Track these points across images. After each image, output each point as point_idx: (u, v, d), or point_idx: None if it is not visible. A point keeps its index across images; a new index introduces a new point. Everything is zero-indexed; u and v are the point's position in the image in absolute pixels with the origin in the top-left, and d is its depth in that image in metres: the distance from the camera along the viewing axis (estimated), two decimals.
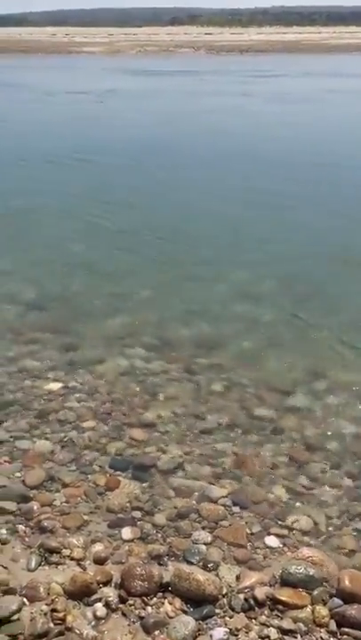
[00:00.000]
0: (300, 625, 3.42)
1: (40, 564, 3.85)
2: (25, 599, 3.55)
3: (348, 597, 3.55)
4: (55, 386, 5.97)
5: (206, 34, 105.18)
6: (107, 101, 28.66)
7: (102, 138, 19.70)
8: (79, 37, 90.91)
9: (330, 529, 4.24)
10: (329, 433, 5.31)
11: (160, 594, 3.60)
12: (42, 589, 3.59)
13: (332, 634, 3.40)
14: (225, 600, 3.57)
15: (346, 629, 3.38)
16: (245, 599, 3.56)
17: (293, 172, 14.85)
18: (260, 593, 3.58)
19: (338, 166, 15.34)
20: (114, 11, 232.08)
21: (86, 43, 79.77)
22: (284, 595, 3.58)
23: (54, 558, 3.90)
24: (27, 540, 4.08)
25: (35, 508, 4.35)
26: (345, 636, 3.37)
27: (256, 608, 3.52)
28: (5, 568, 3.80)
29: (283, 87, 34.95)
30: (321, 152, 17.04)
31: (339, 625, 3.41)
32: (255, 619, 3.46)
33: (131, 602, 3.54)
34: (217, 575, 3.74)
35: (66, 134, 20.27)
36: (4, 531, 4.15)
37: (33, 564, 3.83)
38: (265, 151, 17.26)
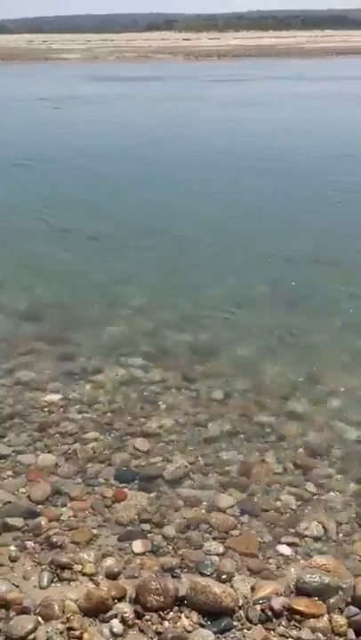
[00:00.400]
0: (319, 635, 3.40)
1: (52, 581, 3.80)
2: (40, 618, 3.49)
3: None
4: (54, 397, 5.91)
5: (184, 39, 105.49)
6: (64, 107, 28.82)
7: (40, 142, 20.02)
8: (57, 44, 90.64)
9: (340, 535, 4.23)
10: (332, 438, 5.31)
11: (176, 608, 3.56)
12: (56, 607, 3.54)
13: None
14: (242, 612, 3.55)
15: None
16: (262, 610, 3.53)
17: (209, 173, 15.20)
18: (277, 603, 3.56)
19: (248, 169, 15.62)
20: (92, 17, 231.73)
21: (64, 49, 79.56)
22: (301, 604, 3.56)
23: (66, 574, 3.84)
24: (36, 556, 4.02)
25: (42, 523, 4.30)
26: None
27: (273, 619, 3.50)
28: (17, 586, 3.74)
29: (242, 91, 35.34)
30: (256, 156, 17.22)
31: (357, 633, 3.40)
32: (273, 630, 3.44)
33: (147, 617, 3.50)
34: (232, 586, 3.71)
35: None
36: (12, 547, 4.09)
37: (45, 582, 3.78)
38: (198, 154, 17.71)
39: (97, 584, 3.76)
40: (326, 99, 31.26)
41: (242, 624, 3.48)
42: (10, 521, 4.30)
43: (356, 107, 28.17)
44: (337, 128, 23.12)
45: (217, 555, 4.02)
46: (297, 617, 3.51)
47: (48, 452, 5.11)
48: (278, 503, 4.53)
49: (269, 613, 3.51)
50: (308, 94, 33.04)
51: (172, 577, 3.82)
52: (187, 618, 3.50)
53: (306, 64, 56.80)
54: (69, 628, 3.43)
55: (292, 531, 4.25)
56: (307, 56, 67.56)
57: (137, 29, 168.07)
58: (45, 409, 5.74)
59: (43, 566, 3.92)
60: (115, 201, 12.99)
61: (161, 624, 3.47)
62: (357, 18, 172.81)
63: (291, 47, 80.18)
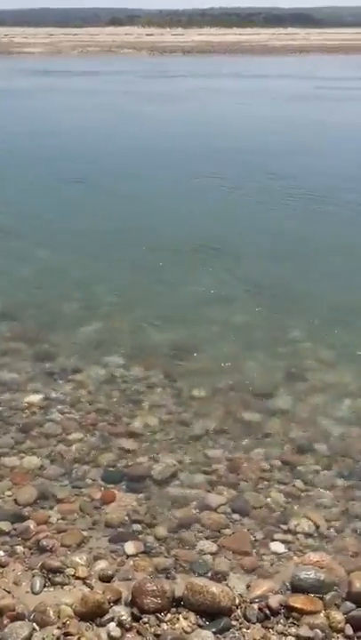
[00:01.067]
0: (318, 631, 3.41)
1: (45, 586, 3.73)
2: (35, 624, 3.42)
3: (360, 600, 3.56)
4: (35, 398, 5.81)
5: (147, 35, 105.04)
6: None
7: None
8: (19, 37, 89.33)
9: (331, 531, 4.26)
10: (317, 434, 5.34)
11: (174, 609, 3.53)
12: (51, 613, 3.47)
13: (350, 638, 3.40)
14: (239, 611, 3.53)
15: None
16: (260, 609, 3.53)
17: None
18: (274, 601, 3.56)
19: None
20: (53, 11, 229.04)
21: (27, 43, 78.45)
22: (298, 601, 3.56)
23: (58, 578, 3.78)
24: (27, 561, 3.95)
25: (31, 527, 4.21)
26: None
27: (271, 617, 3.49)
28: (9, 592, 3.66)
29: (167, 86, 36.05)
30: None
31: (355, 629, 3.42)
32: (272, 628, 3.43)
33: (145, 619, 3.46)
34: (228, 585, 3.70)
35: None
36: (1, 552, 4.00)
37: (37, 587, 3.70)
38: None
39: (91, 587, 3.71)
40: (233, 95, 32.01)
41: (240, 623, 3.47)
42: None
43: (251, 103, 28.80)
44: (206, 120, 23.82)
45: (210, 554, 4.00)
46: (294, 614, 3.51)
47: (32, 454, 5.02)
48: (268, 500, 4.54)
49: (267, 611, 3.51)
50: (224, 90, 34.07)
51: (167, 578, 3.79)
52: (185, 619, 3.47)
53: (262, 61, 57.29)
54: (66, 634, 3.37)
55: (284, 528, 4.26)
56: (269, 53, 67.97)
57: (99, 24, 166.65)
58: (27, 410, 5.63)
59: (34, 571, 3.85)
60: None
61: (159, 626, 3.44)
62: (320, 16, 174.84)
63: (254, 44, 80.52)
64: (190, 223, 11.09)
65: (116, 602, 3.59)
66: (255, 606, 3.55)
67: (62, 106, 27.57)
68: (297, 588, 3.67)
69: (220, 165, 15.39)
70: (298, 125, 21.95)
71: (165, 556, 3.99)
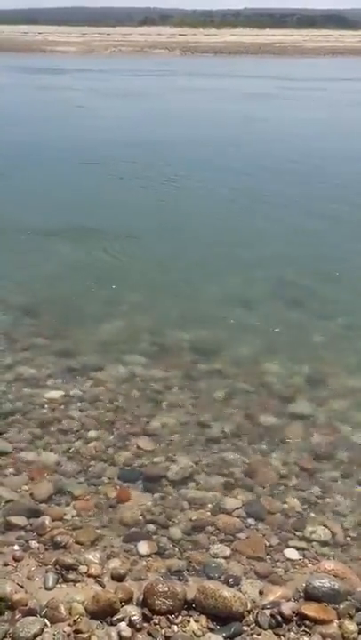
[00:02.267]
0: None
1: (57, 582, 3.74)
2: (46, 620, 3.43)
3: None
4: (56, 394, 5.84)
5: (180, 35, 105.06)
6: None
7: None
8: (53, 36, 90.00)
9: (348, 539, 4.20)
10: (336, 440, 5.28)
11: (185, 611, 3.52)
12: (63, 609, 3.48)
13: None
14: (251, 617, 3.50)
15: None
16: (272, 615, 3.49)
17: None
18: (286, 608, 3.52)
19: None
20: (86, 10, 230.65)
21: (60, 42, 79.02)
22: (311, 610, 3.52)
23: (71, 575, 3.78)
24: (41, 556, 3.96)
25: (46, 522, 4.23)
26: None
27: (283, 624, 3.46)
28: (22, 587, 3.67)
29: (145, 84, 37.09)
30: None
31: None
32: (284, 636, 3.40)
33: (156, 620, 3.45)
34: (240, 590, 3.67)
35: None
36: (16, 547, 4.02)
37: (50, 583, 3.71)
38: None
39: (103, 586, 3.71)
40: (202, 94, 32.88)
41: (251, 629, 3.44)
42: (13, 519, 4.23)
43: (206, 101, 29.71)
44: (155, 118, 24.41)
45: (224, 558, 3.98)
46: (307, 622, 3.47)
47: (50, 450, 5.05)
48: (285, 506, 4.49)
49: (279, 618, 3.47)
50: (195, 89, 34.82)
51: (179, 580, 3.77)
52: (196, 622, 3.45)
53: (298, 62, 57.00)
54: (76, 631, 3.37)
55: (299, 534, 4.21)
56: (302, 55, 67.53)
57: (132, 24, 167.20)
58: (46, 406, 5.66)
59: (47, 567, 3.86)
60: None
61: (170, 628, 3.42)
62: (353, 17, 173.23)
63: (287, 45, 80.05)
64: (215, 224, 11.06)
65: (128, 601, 3.59)
66: (267, 612, 3.52)
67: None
68: (310, 596, 3.63)
69: None
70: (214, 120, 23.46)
71: (178, 558, 3.98)
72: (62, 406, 5.66)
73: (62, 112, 25.16)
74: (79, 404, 5.71)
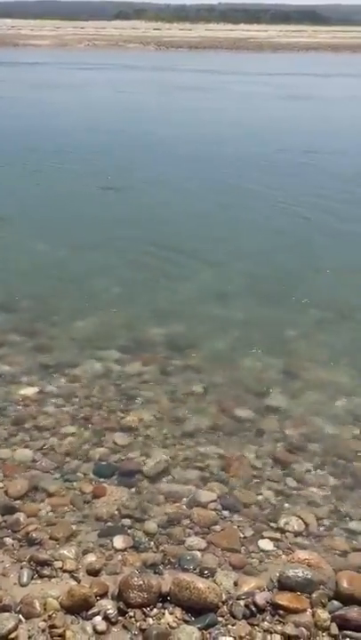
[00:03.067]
0: (303, 629, 3.41)
1: (32, 578, 3.74)
2: (21, 616, 3.43)
3: (347, 599, 3.57)
4: (30, 391, 5.81)
5: (155, 29, 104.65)
6: None
7: None
8: (26, 30, 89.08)
9: (321, 529, 4.26)
10: (310, 432, 5.34)
11: (160, 604, 3.54)
12: (37, 605, 3.48)
13: (334, 637, 3.40)
14: (225, 607, 3.54)
15: (348, 632, 3.39)
16: (246, 606, 3.53)
17: None
18: (260, 598, 3.56)
19: None
20: (60, 3, 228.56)
21: (33, 36, 78.23)
22: (284, 599, 3.57)
23: (46, 571, 3.78)
24: (15, 552, 3.95)
25: (21, 519, 4.22)
26: (347, 639, 3.39)
27: (257, 614, 3.50)
28: None
29: (74, 77, 37.72)
30: None
31: (341, 628, 3.42)
32: (258, 625, 3.44)
33: (131, 614, 3.47)
34: (215, 582, 3.70)
35: None
36: None
37: (25, 579, 3.71)
38: None
39: (78, 581, 3.72)
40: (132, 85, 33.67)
41: (226, 619, 3.47)
42: None
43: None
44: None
45: (199, 550, 4.00)
46: (281, 612, 3.51)
47: (25, 447, 5.03)
48: (259, 498, 4.54)
49: (253, 608, 3.51)
50: (125, 81, 35.72)
51: (155, 573, 3.79)
52: (171, 614, 3.47)
53: (256, 58, 57.45)
54: (51, 626, 3.38)
55: (274, 525, 4.26)
56: (275, 50, 67.73)
57: (106, 17, 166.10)
58: (21, 402, 5.64)
59: (22, 563, 3.86)
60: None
61: (145, 620, 3.45)
62: (327, 13, 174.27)
63: (261, 41, 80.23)
64: (188, 219, 11.08)
65: (103, 595, 3.60)
66: (242, 603, 3.55)
67: None
68: (284, 585, 3.67)
69: None
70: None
71: (154, 552, 4.00)
72: (37, 403, 5.64)
73: None
74: (54, 400, 5.70)
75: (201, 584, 3.53)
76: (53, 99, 28.09)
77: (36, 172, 14.37)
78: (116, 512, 4.35)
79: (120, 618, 3.46)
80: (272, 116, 24.67)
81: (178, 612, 3.49)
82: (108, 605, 3.51)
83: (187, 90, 32.51)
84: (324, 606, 3.56)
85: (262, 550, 4.04)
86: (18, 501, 4.41)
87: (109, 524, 4.25)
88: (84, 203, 12.04)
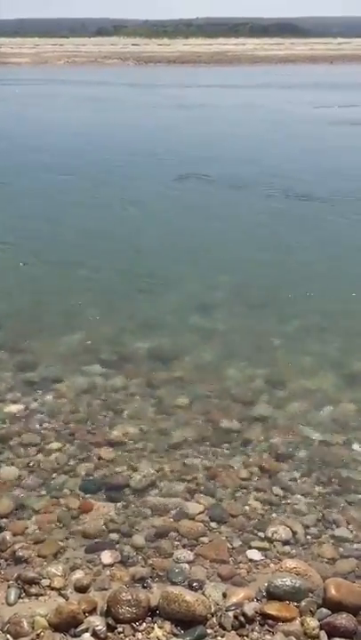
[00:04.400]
0: (292, 638, 3.41)
1: (20, 597, 3.71)
2: (9, 636, 3.40)
3: (335, 606, 3.57)
4: (15, 408, 5.79)
5: (133, 45, 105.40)
6: None
7: None
8: (5, 47, 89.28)
9: (308, 538, 4.27)
10: (295, 441, 5.36)
11: (149, 618, 3.52)
12: (25, 624, 3.45)
13: None
14: (215, 619, 3.53)
15: (337, 639, 3.40)
16: (235, 617, 3.53)
17: None
18: (249, 609, 3.56)
19: None
20: (39, 21, 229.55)
21: (12, 53, 78.45)
22: (273, 609, 3.57)
23: (34, 589, 3.76)
24: (2, 572, 3.93)
25: (7, 537, 4.19)
26: None
27: (247, 625, 3.49)
28: None
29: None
30: None
31: (330, 635, 3.42)
32: (247, 636, 3.44)
33: (120, 629, 3.45)
34: (203, 594, 3.70)
35: None
36: None
37: (12, 598, 3.68)
38: None
39: (66, 598, 3.70)
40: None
41: (215, 631, 3.46)
42: None
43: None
44: None
45: (187, 562, 4.00)
46: (270, 621, 3.51)
47: (10, 465, 5.00)
48: (246, 508, 4.54)
49: (242, 619, 3.51)
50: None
51: (143, 587, 3.78)
52: (160, 628, 3.46)
53: (234, 70, 58.13)
54: None
55: (261, 535, 4.26)
56: (254, 63, 68.42)
57: (86, 34, 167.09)
58: (6, 420, 5.61)
59: (9, 582, 3.83)
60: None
61: (134, 635, 3.43)
62: (304, 26, 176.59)
63: (239, 54, 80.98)
64: (169, 229, 11.13)
65: (92, 612, 3.58)
66: (230, 614, 3.55)
67: None
68: (273, 595, 3.68)
69: None
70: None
71: (142, 566, 3.99)
72: (22, 419, 5.62)
73: None
74: (39, 416, 5.68)
75: (189, 597, 3.53)
76: None
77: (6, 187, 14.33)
78: (104, 527, 4.34)
79: (109, 634, 3.44)
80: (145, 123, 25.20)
81: (167, 625, 3.48)
82: (97, 622, 3.49)
83: (106, 101, 32.47)
84: (312, 614, 3.57)
85: (251, 560, 4.05)
86: (4, 520, 4.39)
87: (97, 539, 4.24)
88: (63, 218, 12.04)
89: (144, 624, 3.49)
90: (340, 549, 4.16)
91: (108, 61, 68.52)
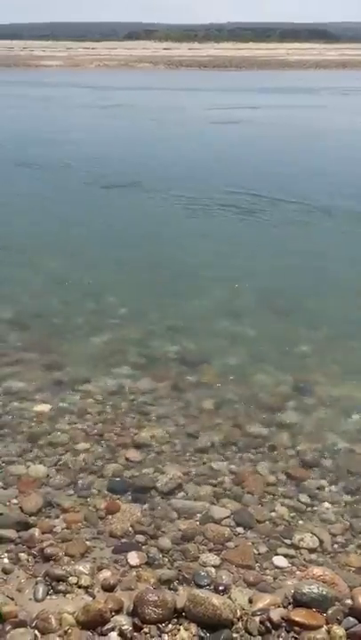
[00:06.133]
0: None
1: (47, 594, 3.76)
2: (37, 631, 3.45)
3: None
4: (44, 407, 5.87)
5: (165, 49, 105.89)
6: None
7: None
8: (38, 51, 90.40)
9: (335, 546, 4.26)
10: (323, 449, 5.35)
11: (175, 620, 3.55)
12: (53, 620, 3.50)
13: None
14: (240, 624, 3.54)
15: None
16: (261, 622, 3.53)
17: None
18: (275, 615, 3.56)
19: None
20: (71, 25, 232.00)
21: (45, 56, 79.37)
22: (299, 615, 3.57)
23: (61, 587, 3.81)
24: (30, 568, 3.98)
25: (36, 535, 4.25)
26: None
27: (273, 631, 3.50)
28: (12, 599, 3.69)
29: None
30: None
31: None
32: None
33: (146, 630, 3.48)
34: (229, 598, 3.71)
35: None
36: (6, 560, 4.04)
37: (40, 594, 3.74)
38: None
39: (93, 596, 3.74)
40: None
41: (241, 636, 3.48)
42: (2, 532, 4.25)
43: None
44: None
45: (213, 567, 4.01)
46: (296, 628, 3.51)
47: (39, 463, 5.07)
48: (273, 514, 4.54)
49: (268, 625, 3.51)
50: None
51: (169, 589, 3.80)
52: (186, 630, 3.48)
53: (256, 75, 58.06)
54: None
55: (288, 542, 4.26)
56: (284, 67, 68.25)
57: (117, 38, 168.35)
58: (35, 419, 5.69)
59: (37, 578, 3.88)
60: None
61: (160, 636, 3.46)
62: (336, 31, 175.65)
63: (270, 59, 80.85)
64: (199, 234, 11.16)
65: (118, 611, 3.62)
66: (257, 619, 3.56)
67: None
68: (299, 602, 3.67)
69: None
70: None
71: (168, 568, 4.01)
72: (51, 419, 5.69)
73: None
74: (68, 416, 5.74)
75: (216, 600, 3.54)
76: None
77: (39, 188, 14.51)
78: (130, 528, 4.37)
79: (135, 634, 3.47)
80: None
81: (193, 627, 3.50)
82: (124, 621, 3.52)
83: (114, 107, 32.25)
84: (339, 623, 3.55)
85: (277, 567, 4.05)
86: (33, 517, 4.45)
87: (124, 540, 4.28)
88: (94, 221, 12.14)
89: (170, 625, 3.51)
90: None
91: (140, 65, 68.89)
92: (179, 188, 14.31)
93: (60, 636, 3.44)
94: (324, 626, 3.53)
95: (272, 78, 53.38)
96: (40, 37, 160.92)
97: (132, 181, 15.06)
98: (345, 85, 45.63)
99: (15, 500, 4.62)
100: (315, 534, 4.32)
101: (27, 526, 4.34)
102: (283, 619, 3.55)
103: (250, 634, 3.48)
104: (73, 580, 3.86)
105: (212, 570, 3.97)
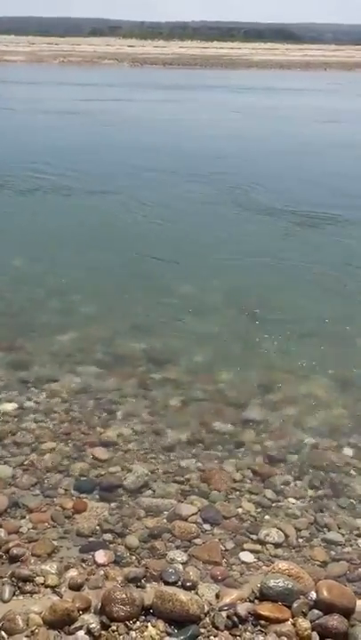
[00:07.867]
0: (285, 639, 3.46)
1: (14, 594, 3.73)
2: (3, 632, 3.42)
3: (327, 608, 3.61)
4: (9, 406, 5.80)
5: (129, 46, 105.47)
6: None
7: None
8: (0, 46, 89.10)
9: (300, 540, 4.32)
10: (288, 445, 5.41)
11: (143, 617, 3.56)
12: (20, 621, 3.47)
13: None
14: (208, 619, 3.57)
15: None
16: (228, 617, 3.56)
17: None
18: (242, 609, 3.60)
19: None
20: (34, 19, 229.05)
21: (7, 51, 78.27)
22: (265, 609, 3.61)
23: (28, 587, 3.78)
24: None
25: (1, 535, 4.20)
26: None
27: (240, 625, 3.53)
28: None
29: None
30: None
31: (321, 636, 3.47)
32: (240, 636, 3.47)
33: (113, 627, 3.48)
34: (197, 594, 3.73)
35: None
36: None
37: (6, 595, 3.70)
38: None
39: (60, 596, 3.72)
40: None
41: (208, 631, 3.50)
42: None
43: None
44: None
45: (181, 563, 4.03)
46: (262, 622, 3.55)
47: (4, 464, 5.01)
48: (239, 510, 4.58)
49: (235, 619, 3.55)
50: None
51: (137, 587, 3.81)
52: (153, 627, 3.49)
53: (236, 74, 58.34)
54: None
55: (254, 537, 4.30)
56: (249, 67, 68.69)
57: (81, 34, 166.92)
58: (0, 418, 5.62)
59: (3, 579, 3.84)
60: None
61: (128, 634, 3.46)
62: (299, 31, 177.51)
63: (235, 58, 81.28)
64: (165, 231, 11.17)
65: (86, 610, 3.61)
66: (224, 614, 3.59)
67: None
68: (265, 595, 3.72)
69: None
70: None
71: (136, 566, 4.01)
72: (16, 418, 5.63)
73: None
74: (33, 415, 5.69)
75: (183, 596, 3.56)
76: None
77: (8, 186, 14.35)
78: (98, 527, 4.36)
79: (103, 632, 3.46)
80: None
81: (160, 624, 3.51)
82: (91, 620, 3.52)
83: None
84: (305, 615, 3.61)
85: (243, 562, 4.09)
86: None
87: (91, 539, 4.26)
88: (60, 217, 12.07)
89: (138, 623, 3.52)
90: (332, 552, 4.21)
91: (104, 62, 68.50)
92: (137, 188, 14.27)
93: (27, 636, 3.42)
94: (290, 619, 3.59)
95: (238, 77, 53.68)
96: (2, 32, 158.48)
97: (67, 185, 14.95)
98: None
99: None
100: (280, 529, 4.37)
101: None
102: (249, 613, 3.59)
103: (217, 628, 3.51)
104: (40, 579, 3.83)
105: (180, 567, 3.99)
